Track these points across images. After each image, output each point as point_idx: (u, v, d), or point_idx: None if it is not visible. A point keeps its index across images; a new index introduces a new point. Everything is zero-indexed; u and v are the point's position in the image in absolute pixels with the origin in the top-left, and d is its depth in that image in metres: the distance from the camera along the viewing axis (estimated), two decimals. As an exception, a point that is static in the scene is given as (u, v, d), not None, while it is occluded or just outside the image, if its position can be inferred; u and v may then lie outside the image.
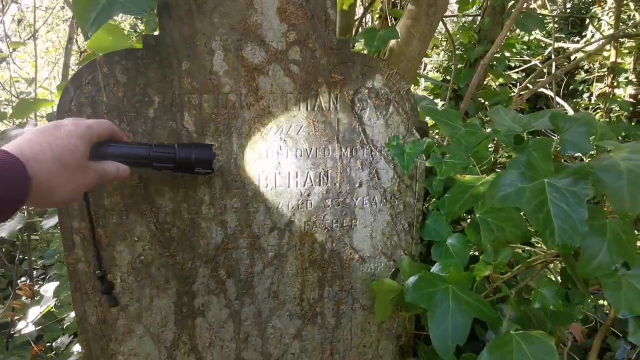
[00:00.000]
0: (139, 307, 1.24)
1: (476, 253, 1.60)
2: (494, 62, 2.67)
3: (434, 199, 1.40)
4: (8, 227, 1.25)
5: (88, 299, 1.20)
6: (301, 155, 1.22)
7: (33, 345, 1.90)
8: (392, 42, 1.56)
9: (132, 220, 1.17)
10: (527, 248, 1.24)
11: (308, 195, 1.25)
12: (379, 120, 1.25)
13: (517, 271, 1.04)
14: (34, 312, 1.86)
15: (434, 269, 1.21)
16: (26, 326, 1.87)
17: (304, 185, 1.24)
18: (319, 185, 1.25)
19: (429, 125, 1.29)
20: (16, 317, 1.97)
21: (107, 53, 1.07)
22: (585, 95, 5.65)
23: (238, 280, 1.28)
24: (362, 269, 1.36)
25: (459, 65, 2.63)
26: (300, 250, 1.29)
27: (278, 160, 1.21)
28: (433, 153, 1.07)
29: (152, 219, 1.17)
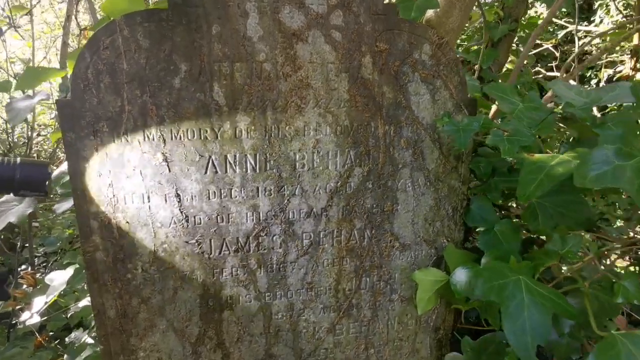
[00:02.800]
0: (162, 300, 1.13)
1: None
2: (518, 43, 2.54)
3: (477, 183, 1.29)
4: (17, 212, 1.12)
5: (107, 290, 1.09)
6: (341, 133, 1.10)
7: (37, 335, 1.80)
8: (430, 12, 1.44)
9: (154, 204, 1.05)
10: (586, 235, 1.14)
11: (348, 177, 1.14)
12: (426, 95, 1.13)
13: (589, 260, 0.94)
14: (39, 303, 1.75)
15: (484, 259, 1.11)
16: (31, 317, 1.76)
17: (344, 166, 1.13)
18: (360, 166, 1.14)
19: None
20: (18, 307, 1.85)
21: (128, 14, 0.94)
22: (594, 82, 5.56)
23: (270, 270, 1.17)
24: (402, 257, 1.25)
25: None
26: (337, 237, 1.19)
27: (316, 137, 1.09)
28: (494, 130, 0.96)
29: (177, 202, 1.06)
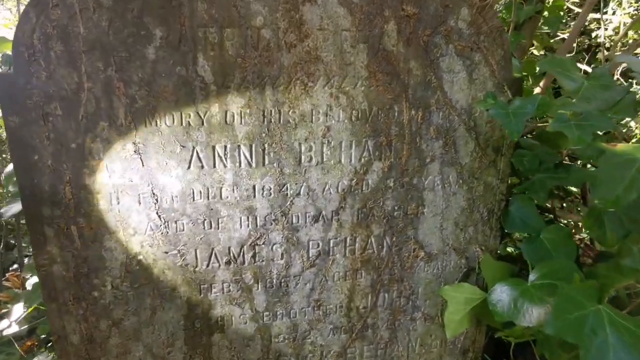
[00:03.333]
0: (137, 322, 0.93)
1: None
2: (544, 27, 2.31)
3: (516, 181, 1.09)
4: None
5: (68, 312, 0.89)
6: (358, 119, 0.89)
7: (25, 340, 1.62)
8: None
9: (125, 206, 0.84)
10: None
11: (365, 172, 0.93)
12: (461, 72, 0.92)
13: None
14: (18, 310, 1.56)
15: (532, 275, 0.90)
16: (9, 326, 1.57)
17: (360, 160, 0.92)
18: (380, 159, 0.93)
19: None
20: (4, 311, 1.68)
21: (84, -40, 0.72)
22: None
23: (269, 286, 0.97)
24: (426, 269, 1.05)
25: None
26: (351, 246, 0.98)
27: (327, 124, 0.88)
28: (559, 114, 0.75)
29: (154, 204, 0.85)
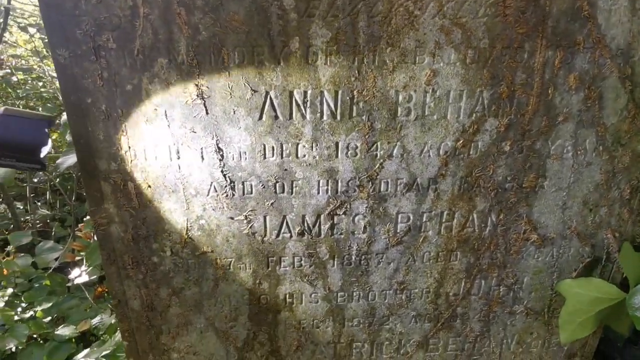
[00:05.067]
0: (199, 293, 0.83)
1: None
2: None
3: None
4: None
5: (127, 276, 0.81)
6: (474, 61, 0.68)
7: (97, 286, 1.68)
8: None
9: (186, 161, 0.71)
10: None
11: (475, 132, 0.73)
12: (622, -3, 0.67)
13: None
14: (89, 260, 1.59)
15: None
16: (79, 275, 1.61)
17: (471, 116, 0.72)
18: (496, 116, 0.72)
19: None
20: (77, 258, 1.73)
21: None
22: None
23: (346, 263, 0.82)
24: (537, 255, 0.85)
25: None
26: (448, 222, 0.80)
27: (433, 67, 0.68)
28: None
29: (219, 161, 0.72)
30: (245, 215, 0.76)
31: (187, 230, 0.77)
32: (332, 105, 0.69)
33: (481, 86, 0.70)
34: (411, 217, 0.79)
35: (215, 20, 0.63)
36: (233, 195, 0.75)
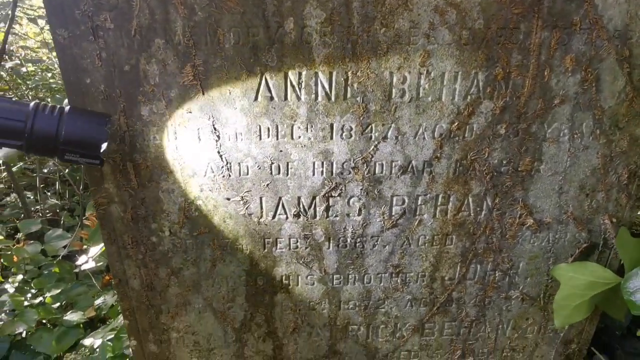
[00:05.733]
0: (197, 273, 0.84)
1: None
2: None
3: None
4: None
5: (127, 255, 0.82)
6: (469, 42, 0.68)
7: (104, 274, 1.71)
8: None
9: (184, 142, 0.73)
10: None
11: (470, 114, 0.73)
12: (620, -23, 0.66)
13: None
14: (96, 248, 1.62)
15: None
16: (86, 262, 1.64)
17: (466, 98, 0.72)
18: (491, 98, 0.72)
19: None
20: (84, 247, 1.77)
21: None
22: None
23: (342, 245, 0.83)
24: (533, 240, 0.85)
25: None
26: (443, 205, 0.81)
27: (427, 48, 0.68)
28: None
29: (215, 141, 0.73)
30: (242, 196, 0.77)
31: (184, 211, 0.78)
32: (326, 86, 0.70)
33: (476, 68, 0.70)
34: (406, 200, 0.79)
35: (211, 0, 0.64)
36: (229, 176, 0.76)
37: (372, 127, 0.73)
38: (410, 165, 0.77)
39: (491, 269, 0.88)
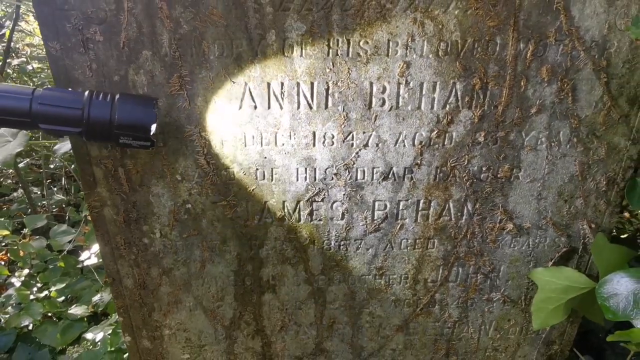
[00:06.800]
0: (187, 273, 0.88)
1: None
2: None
3: None
4: (5, 150, 0.92)
5: (121, 256, 0.86)
6: (446, 53, 0.70)
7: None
8: None
9: (172, 149, 0.76)
10: None
11: (449, 122, 0.75)
12: (596, -10, 0.68)
13: None
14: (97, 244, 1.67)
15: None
16: (88, 258, 1.69)
17: (445, 107, 0.74)
18: (470, 107, 0.74)
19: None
20: (87, 242, 1.82)
21: None
22: None
23: (326, 248, 0.86)
24: (514, 244, 0.87)
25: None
26: (424, 210, 0.83)
27: (406, 59, 0.70)
28: None
29: (202, 148, 0.76)
30: (228, 201, 0.80)
31: (174, 214, 0.82)
32: (308, 96, 0.72)
33: (454, 78, 0.72)
34: (388, 205, 0.82)
35: (196, 14, 0.66)
36: (217, 181, 0.79)
37: (353, 135, 0.76)
38: (392, 172, 0.79)
39: (473, 271, 0.90)
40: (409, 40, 0.69)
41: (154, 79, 0.70)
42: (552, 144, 0.78)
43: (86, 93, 0.62)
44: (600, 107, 0.75)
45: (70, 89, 0.65)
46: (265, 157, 0.77)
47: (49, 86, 0.64)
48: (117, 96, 0.63)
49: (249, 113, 0.73)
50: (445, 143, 0.77)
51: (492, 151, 0.78)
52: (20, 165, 2.29)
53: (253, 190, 0.80)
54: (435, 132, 0.76)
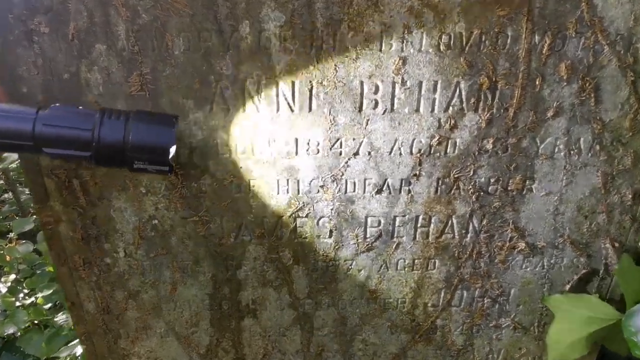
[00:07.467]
0: (157, 297, 0.78)
1: None
2: None
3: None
4: None
5: (80, 277, 0.76)
6: (449, 48, 0.60)
7: None
8: None
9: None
10: None
11: (452, 128, 0.65)
12: (624, -27, 0.58)
13: None
14: None
15: None
16: None
17: (447, 109, 0.64)
18: (476, 110, 0.64)
19: None
20: None
21: None
22: None
23: (312, 269, 0.76)
24: (526, 265, 0.77)
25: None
26: (424, 227, 0.73)
27: (402, 54, 0.61)
28: None
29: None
30: (200, 216, 0.71)
31: (139, 231, 0.72)
32: (289, 97, 0.62)
33: (458, 76, 0.62)
34: (382, 222, 0.72)
35: (156, 1, 0.57)
36: (187, 194, 0.69)
37: (341, 142, 0.66)
38: (386, 184, 0.69)
39: (479, 295, 0.80)
40: (405, 32, 0.60)
41: (110, 77, 0.61)
42: (571, 152, 0.68)
43: (98, 112, 0.53)
44: (627, 110, 0.65)
45: (80, 107, 0.55)
46: (241, 167, 0.67)
47: (57, 104, 0.54)
48: (132, 114, 0.54)
49: (221, 116, 0.64)
50: (448, 151, 0.67)
51: (502, 160, 0.68)
52: (12, 165, 2.20)
53: (228, 204, 0.70)
54: (436, 139, 0.66)
